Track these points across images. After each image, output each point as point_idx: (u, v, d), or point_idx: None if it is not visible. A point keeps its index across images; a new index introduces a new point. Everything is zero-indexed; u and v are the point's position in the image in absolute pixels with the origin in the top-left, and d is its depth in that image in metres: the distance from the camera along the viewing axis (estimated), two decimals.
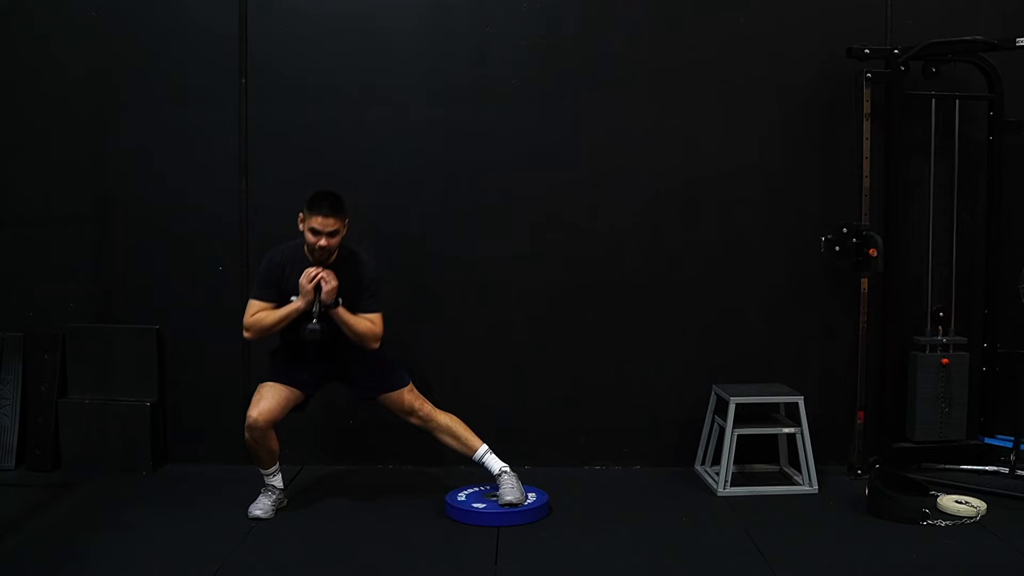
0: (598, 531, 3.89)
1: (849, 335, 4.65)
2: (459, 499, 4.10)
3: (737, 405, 4.37)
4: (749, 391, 4.49)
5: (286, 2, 4.66)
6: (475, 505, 4.04)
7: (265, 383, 4.02)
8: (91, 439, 4.62)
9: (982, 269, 4.69)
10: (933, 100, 4.59)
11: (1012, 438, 4.52)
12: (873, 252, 4.41)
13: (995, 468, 4.55)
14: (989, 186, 4.64)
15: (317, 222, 3.84)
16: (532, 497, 4.10)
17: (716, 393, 4.58)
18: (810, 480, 4.37)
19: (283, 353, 4.08)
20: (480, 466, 4.14)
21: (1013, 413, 4.57)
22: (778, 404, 4.52)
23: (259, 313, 3.92)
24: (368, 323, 3.94)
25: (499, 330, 4.74)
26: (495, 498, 4.05)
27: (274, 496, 4.06)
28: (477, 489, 4.21)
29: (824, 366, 4.75)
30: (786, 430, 4.46)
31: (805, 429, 4.38)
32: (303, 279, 3.84)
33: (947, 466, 4.59)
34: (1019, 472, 4.45)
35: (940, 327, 4.63)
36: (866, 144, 4.51)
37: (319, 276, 3.84)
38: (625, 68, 4.68)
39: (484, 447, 4.13)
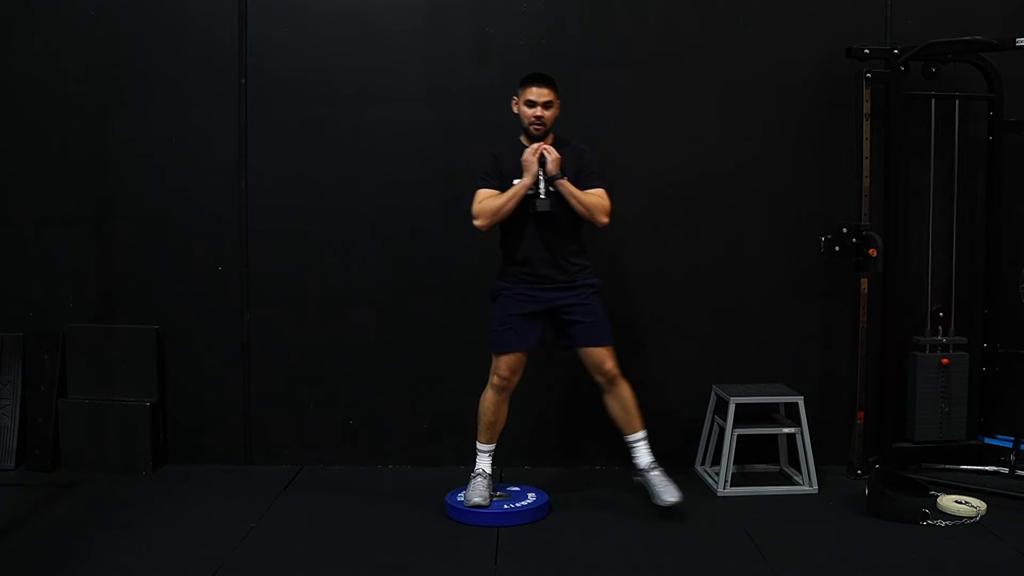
0: (598, 531, 3.89)
1: (849, 335, 4.65)
2: (459, 499, 4.09)
3: (737, 405, 4.37)
4: (749, 391, 4.49)
5: (286, 2, 4.66)
6: None
7: (502, 356, 4.03)
8: (91, 439, 4.62)
9: (982, 269, 4.69)
10: (933, 100, 4.59)
11: (1012, 438, 4.52)
12: (873, 252, 4.41)
13: (995, 468, 4.55)
14: (989, 186, 4.64)
15: (532, 93, 3.94)
16: (532, 497, 4.10)
17: (716, 393, 4.58)
18: (810, 480, 4.37)
19: (506, 284, 4.05)
20: (630, 448, 4.11)
21: (1013, 413, 4.57)
22: (778, 404, 4.52)
23: (486, 200, 3.94)
24: (596, 196, 3.98)
25: None
26: (500, 499, 4.05)
27: (486, 481, 4.05)
28: None
29: (824, 366, 4.75)
30: (786, 430, 4.46)
31: (805, 429, 4.38)
32: (526, 154, 3.91)
33: (947, 466, 4.59)
34: (1019, 472, 4.46)
35: (940, 327, 4.64)
36: (866, 144, 4.51)
37: (541, 148, 3.91)
38: (625, 68, 4.68)
39: (642, 432, 4.11)
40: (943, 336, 4.63)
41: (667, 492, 3.99)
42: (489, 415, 4.08)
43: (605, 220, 4.00)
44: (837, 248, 4.48)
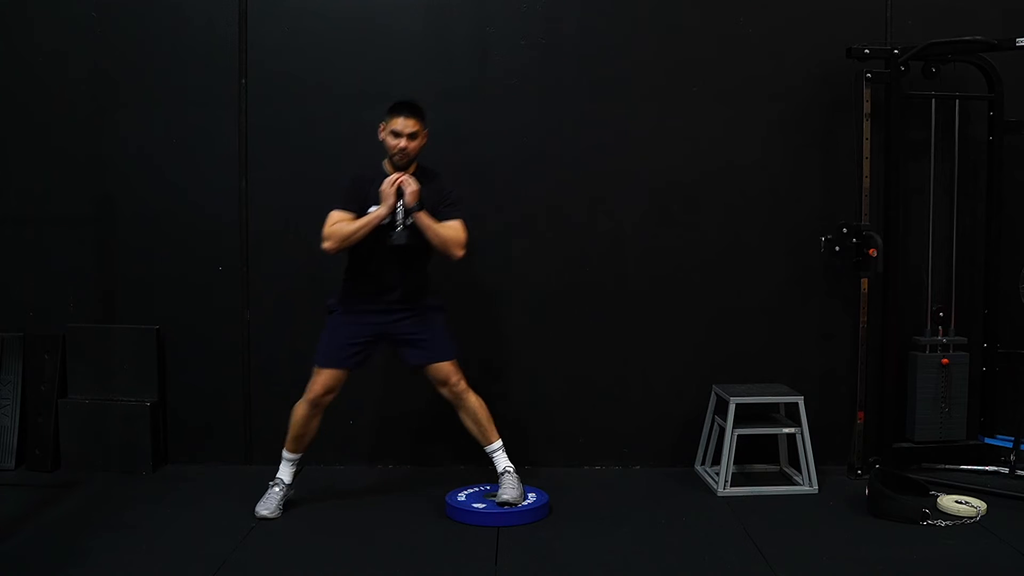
0: (598, 531, 3.89)
1: (849, 335, 4.65)
2: (459, 499, 4.10)
3: (737, 405, 4.37)
4: (749, 391, 4.49)
5: (286, 2, 4.66)
6: (475, 505, 4.04)
7: (323, 370, 4.01)
8: (91, 439, 4.62)
9: (982, 269, 4.69)
10: (933, 100, 4.59)
11: (1012, 438, 4.52)
12: (873, 252, 4.41)
13: (995, 468, 4.55)
14: (989, 186, 4.64)
15: (398, 123, 3.91)
16: (532, 497, 4.10)
17: (716, 393, 4.58)
18: (810, 480, 4.37)
19: (344, 302, 4.05)
20: (489, 459, 4.14)
21: (1013, 413, 4.57)
22: (778, 404, 4.52)
23: (339, 223, 3.90)
24: (452, 229, 3.95)
25: (499, 330, 4.74)
26: (495, 498, 4.05)
27: (282, 492, 4.06)
28: (477, 489, 4.22)
29: (824, 366, 4.75)
30: (786, 430, 4.46)
31: (805, 429, 4.38)
32: (384, 185, 3.87)
33: (947, 466, 4.59)
34: (1019, 472, 4.45)
35: (940, 327, 4.64)
36: (866, 144, 4.51)
37: (400, 179, 3.87)
38: (625, 68, 4.68)
39: (499, 443, 4.13)
40: (943, 336, 4.63)
41: (506, 492, 4.02)
42: (298, 427, 4.06)
43: (460, 253, 3.97)
44: (837, 248, 4.48)
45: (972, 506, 4.01)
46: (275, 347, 4.71)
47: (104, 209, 4.73)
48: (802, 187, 4.72)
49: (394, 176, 3.88)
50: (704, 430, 4.65)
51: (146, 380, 4.66)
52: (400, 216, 3.89)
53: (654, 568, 3.53)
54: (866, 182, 4.53)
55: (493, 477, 4.14)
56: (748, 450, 4.58)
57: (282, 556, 3.62)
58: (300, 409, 4.06)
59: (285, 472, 4.10)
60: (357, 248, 3.95)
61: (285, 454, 4.12)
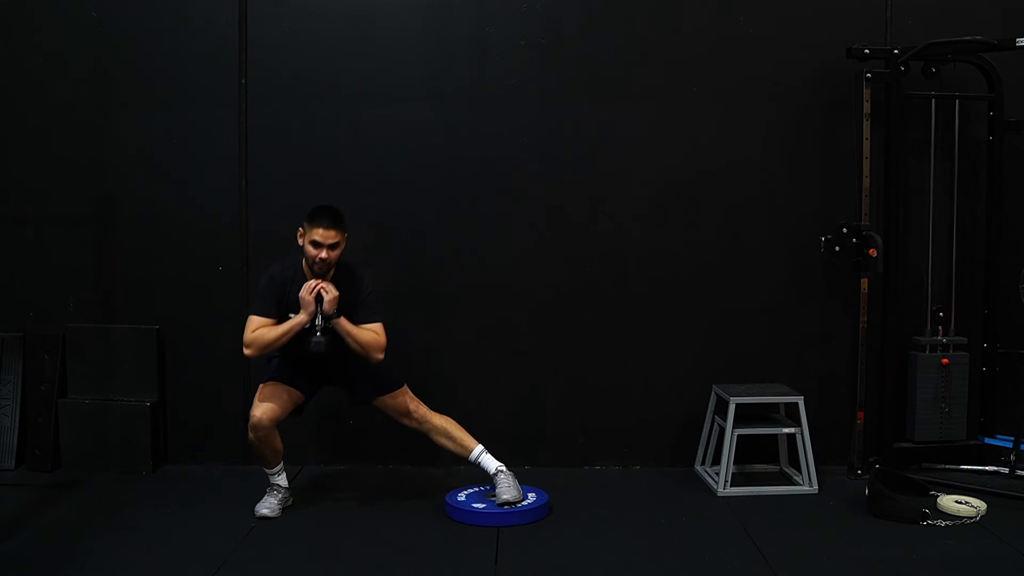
0: (598, 531, 3.89)
1: (849, 335, 4.65)
2: (459, 499, 4.10)
3: (737, 405, 4.37)
4: (749, 391, 4.49)
5: (286, 2, 4.66)
6: (475, 505, 4.04)
7: (267, 383, 4.02)
8: (91, 439, 4.63)
9: (982, 269, 4.69)
10: (933, 100, 4.59)
11: (1012, 438, 4.52)
12: (873, 252, 4.41)
13: (995, 468, 4.55)
14: (989, 186, 4.64)
15: (319, 234, 3.85)
16: (532, 497, 4.10)
17: (716, 393, 4.58)
18: (810, 480, 4.37)
19: (283, 361, 4.08)
20: (476, 467, 4.14)
21: (1013, 413, 4.57)
22: (778, 404, 4.52)
23: (260, 329, 3.89)
24: (372, 333, 3.95)
25: (499, 330, 4.74)
26: (495, 498, 4.05)
27: (280, 495, 4.06)
28: (477, 489, 4.21)
29: (824, 366, 4.75)
30: (786, 430, 4.46)
31: (805, 429, 4.38)
32: (303, 292, 3.85)
33: (947, 466, 4.59)
34: (1019, 472, 4.45)
35: (940, 327, 4.63)
36: (866, 144, 4.51)
37: (319, 287, 3.85)
38: (625, 68, 4.68)
39: (479, 447, 4.14)
40: (943, 336, 4.63)
41: (505, 492, 4.02)
42: (259, 451, 4.02)
43: (380, 356, 3.95)
44: (837, 248, 4.48)
45: (972, 506, 4.01)
46: None
47: (104, 209, 4.73)
48: (802, 187, 4.72)
49: (313, 283, 3.85)
50: (704, 430, 4.65)
51: (146, 380, 4.66)
52: (319, 322, 3.87)
53: (654, 568, 3.53)
54: (866, 182, 4.53)
55: (490, 477, 4.14)
56: (748, 450, 4.58)
57: (282, 556, 3.62)
58: (250, 439, 3.99)
59: (278, 479, 4.10)
60: (281, 349, 3.96)
61: (264, 470, 4.07)
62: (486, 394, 4.70)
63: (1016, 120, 4.60)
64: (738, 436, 4.38)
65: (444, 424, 4.14)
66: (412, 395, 4.14)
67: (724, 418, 4.40)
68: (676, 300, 4.73)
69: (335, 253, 3.90)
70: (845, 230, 4.46)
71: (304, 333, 3.89)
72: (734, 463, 4.39)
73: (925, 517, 3.92)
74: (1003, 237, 4.65)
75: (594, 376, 4.74)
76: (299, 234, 3.94)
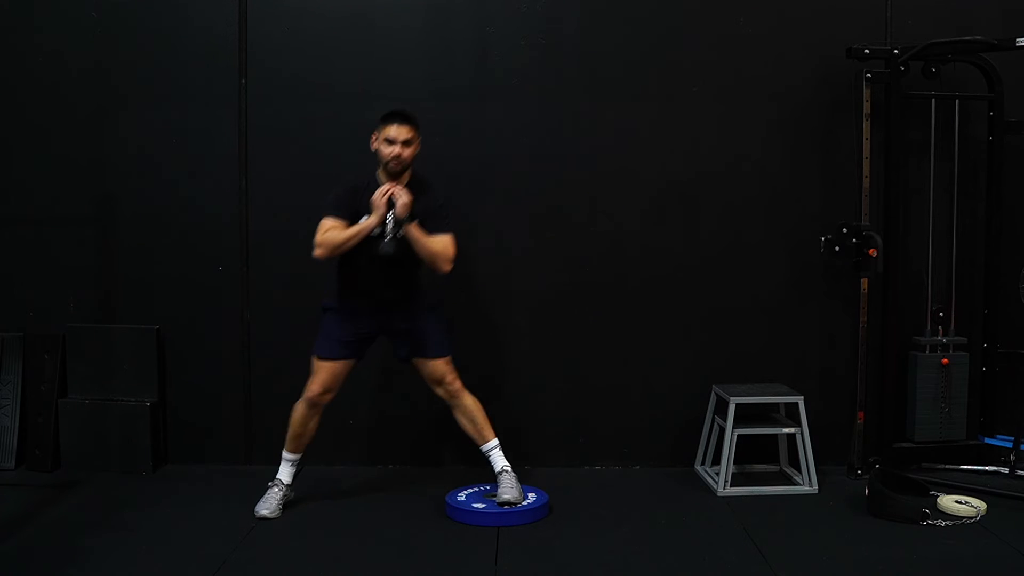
0: (598, 531, 3.89)
1: (849, 335, 4.65)
2: (459, 499, 4.10)
3: (737, 405, 4.37)
4: (749, 391, 4.49)
5: (286, 2, 4.66)
6: (475, 505, 4.04)
7: (323, 360, 4.02)
8: (91, 439, 4.63)
9: (982, 269, 4.69)
10: (933, 100, 4.59)
11: (1012, 438, 4.52)
12: (873, 252, 4.41)
13: (995, 468, 4.55)
14: (989, 186, 4.64)
15: (391, 131, 3.89)
16: (532, 497, 4.10)
17: (716, 393, 4.58)
18: (810, 480, 4.37)
19: (339, 302, 4.05)
20: (485, 458, 4.14)
21: (1013, 413, 4.57)
22: (778, 404, 4.52)
23: (331, 231, 3.90)
24: (441, 243, 3.95)
25: (499, 329, 4.74)
26: (495, 498, 4.05)
27: (281, 492, 4.06)
28: (477, 489, 4.22)
29: (824, 366, 4.75)
30: (786, 430, 4.46)
31: (805, 429, 4.38)
32: (376, 195, 3.86)
33: (947, 466, 4.59)
34: (1019, 472, 4.45)
35: (940, 327, 4.64)
36: (866, 144, 4.51)
37: (392, 190, 3.87)
38: (625, 68, 4.68)
39: (495, 441, 4.14)
40: (943, 336, 4.63)
41: (506, 492, 4.02)
42: (297, 427, 4.07)
43: (447, 268, 3.97)
44: (837, 248, 4.48)
45: (972, 506, 4.01)
46: (275, 347, 4.71)
47: (104, 209, 4.73)
48: (802, 187, 4.72)
49: (386, 187, 3.88)
50: (704, 430, 4.65)
51: (146, 380, 4.66)
52: (390, 227, 3.89)
53: (654, 568, 3.53)
54: (866, 182, 4.53)
55: (493, 477, 4.14)
56: (748, 450, 4.58)
57: (282, 556, 3.62)
58: (299, 408, 4.07)
59: (284, 473, 4.11)
60: (348, 255, 3.95)
61: (284, 454, 4.13)
62: (486, 394, 4.68)
63: (1016, 120, 4.60)
64: (738, 436, 4.38)
65: (472, 407, 4.13)
66: (453, 366, 4.12)
67: (724, 418, 4.40)
68: (676, 300, 4.73)
69: (408, 151, 3.92)
70: (845, 230, 4.46)
71: (374, 238, 3.90)
72: (734, 463, 4.39)
73: (925, 517, 3.92)
74: (1003, 237, 4.65)
75: (594, 376, 4.75)
76: (372, 140, 3.97)
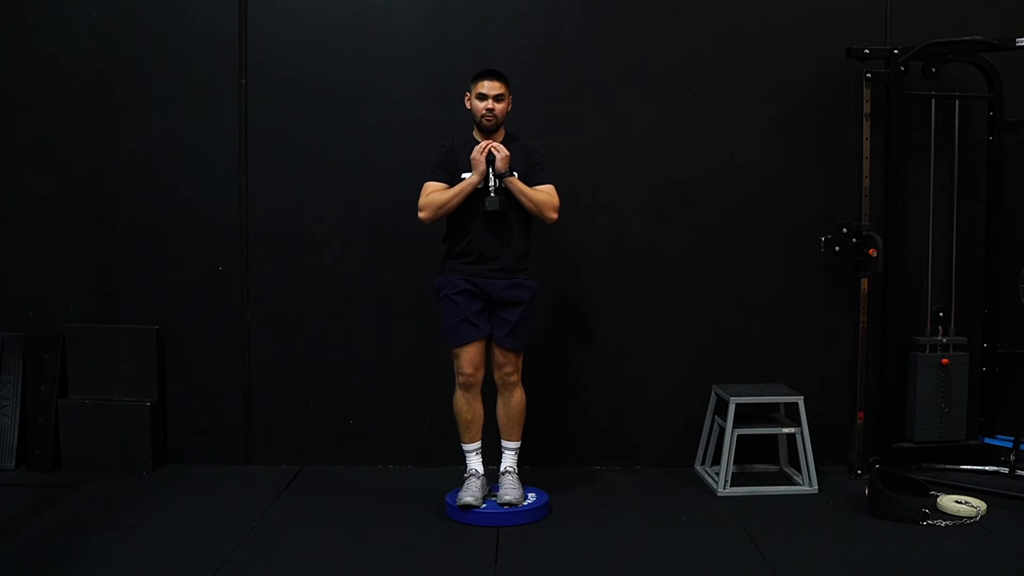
0: (598, 531, 3.89)
1: (849, 335, 4.65)
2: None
3: (737, 405, 4.38)
4: (749, 391, 4.49)
5: (286, 2, 4.66)
6: None
7: (459, 346, 4.01)
8: (91, 439, 4.63)
9: (982, 269, 4.69)
10: (933, 100, 4.60)
11: (1012, 438, 4.52)
12: (873, 252, 4.41)
13: (995, 468, 4.55)
14: (989, 186, 4.64)
15: (483, 86, 3.95)
16: (532, 497, 4.10)
17: (716, 393, 4.58)
18: (810, 480, 4.37)
19: (448, 275, 4.03)
20: (498, 454, 4.15)
21: (1013, 413, 4.57)
22: (778, 404, 4.53)
23: (433, 193, 3.94)
24: (545, 193, 3.98)
25: None
26: (495, 498, 4.05)
27: (480, 480, 4.05)
28: None
29: (824, 366, 4.75)
30: (786, 430, 4.46)
31: (805, 429, 4.38)
32: (475, 152, 3.91)
33: (947, 466, 4.59)
34: (1019, 472, 4.46)
35: (940, 327, 4.64)
36: (866, 144, 4.51)
37: (490, 146, 3.91)
38: (625, 68, 4.68)
39: (518, 444, 4.14)
40: (943, 336, 4.63)
41: (508, 493, 4.02)
42: (464, 415, 4.08)
43: (554, 216, 4.01)
44: (837, 248, 4.48)
45: (972, 506, 4.01)
46: (275, 347, 4.71)
47: (104, 209, 4.73)
48: (802, 187, 4.72)
49: (484, 143, 3.93)
50: (704, 430, 4.65)
51: (146, 380, 4.66)
52: (492, 182, 3.92)
53: (654, 568, 3.53)
54: (866, 182, 4.53)
55: (493, 478, 4.14)
56: (748, 450, 4.59)
57: (282, 556, 3.62)
58: (458, 399, 4.08)
59: (475, 463, 4.09)
60: (454, 218, 3.99)
61: (463, 447, 4.12)
62: (485, 393, 4.69)
63: (1016, 120, 4.60)
64: (738, 436, 4.38)
65: (518, 404, 4.12)
66: (521, 362, 4.11)
67: (724, 418, 4.40)
68: (676, 300, 4.73)
69: (501, 106, 3.97)
70: (845, 230, 4.46)
71: (477, 195, 3.92)
72: (734, 463, 4.39)
73: (925, 517, 3.92)
74: (1003, 237, 4.65)
75: (594, 376, 4.75)
76: (466, 99, 4.03)
